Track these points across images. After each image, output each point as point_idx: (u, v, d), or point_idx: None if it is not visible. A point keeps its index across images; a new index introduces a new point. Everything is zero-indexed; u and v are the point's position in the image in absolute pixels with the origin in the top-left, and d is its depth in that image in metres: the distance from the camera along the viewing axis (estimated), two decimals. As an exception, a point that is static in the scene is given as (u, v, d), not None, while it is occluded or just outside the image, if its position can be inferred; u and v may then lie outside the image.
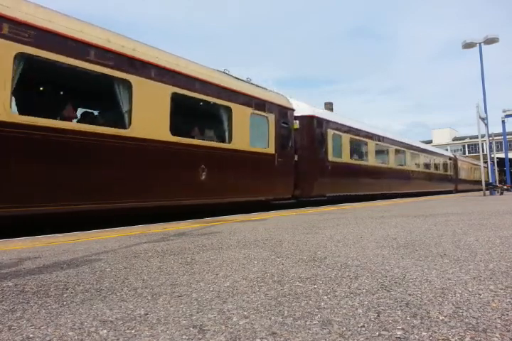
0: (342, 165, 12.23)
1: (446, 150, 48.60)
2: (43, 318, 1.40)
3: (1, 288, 1.85)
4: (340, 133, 12.33)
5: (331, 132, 11.66)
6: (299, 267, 2.13)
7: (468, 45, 19.52)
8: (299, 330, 1.20)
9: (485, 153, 19.44)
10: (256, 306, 1.46)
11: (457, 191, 26.70)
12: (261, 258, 2.42)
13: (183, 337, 1.18)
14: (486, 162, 19.43)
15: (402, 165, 17.53)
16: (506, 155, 28.02)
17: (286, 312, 1.38)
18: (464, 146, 70.30)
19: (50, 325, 1.33)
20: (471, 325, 1.19)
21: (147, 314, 1.40)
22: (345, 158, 12.56)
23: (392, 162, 16.56)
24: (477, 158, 32.06)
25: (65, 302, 1.59)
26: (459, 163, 28.87)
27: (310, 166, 10.58)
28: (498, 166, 27.56)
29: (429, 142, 60.67)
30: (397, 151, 17.15)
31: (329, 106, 26.23)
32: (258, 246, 2.97)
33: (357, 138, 13.55)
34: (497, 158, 27.63)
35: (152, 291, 1.72)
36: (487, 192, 16.58)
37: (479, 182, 33.29)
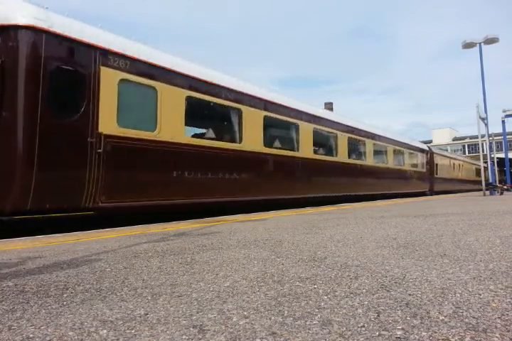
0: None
1: (446, 150, 48.27)
2: (43, 318, 1.40)
3: (1, 288, 1.85)
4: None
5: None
6: (299, 267, 2.13)
7: (468, 45, 19.53)
8: (299, 330, 1.20)
9: (485, 153, 19.44)
10: (256, 306, 1.46)
11: (434, 192, 21.20)
12: (261, 258, 2.42)
13: (183, 337, 1.18)
14: (486, 162, 19.41)
15: (332, 156, 11.99)
16: (506, 155, 28.01)
17: (286, 312, 1.38)
18: (463, 146, 70.31)
19: (50, 325, 1.33)
20: (471, 325, 1.19)
21: (147, 314, 1.40)
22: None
23: (306, 148, 10.45)
24: (477, 158, 31.51)
25: (65, 302, 1.59)
26: (437, 158, 22.83)
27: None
28: (498, 166, 27.49)
29: (429, 142, 60.64)
30: (318, 133, 11.16)
31: (329, 106, 26.20)
32: (258, 246, 2.97)
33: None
34: (497, 158, 27.61)
35: (152, 291, 1.72)
36: (487, 192, 16.57)
37: (468, 181, 30.68)
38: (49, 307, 1.54)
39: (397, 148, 17.02)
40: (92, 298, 1.65)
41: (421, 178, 19.79)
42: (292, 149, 10.09)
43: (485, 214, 5.54)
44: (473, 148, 65.02)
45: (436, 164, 22.65)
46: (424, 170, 20.43)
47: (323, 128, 11.50)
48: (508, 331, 1.14)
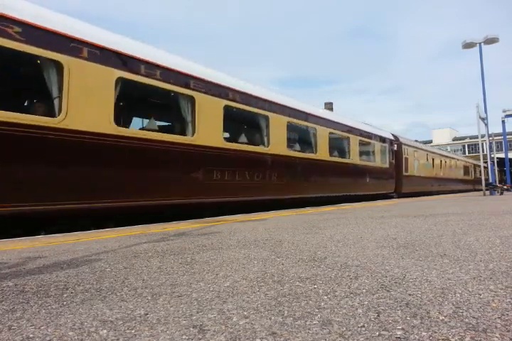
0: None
1: (446, 150, 48.04)
2: (43, 318, 1.40)
3: (1, 288, 1.85)
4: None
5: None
6: (299, 267, 2.13)
7: (468, 45, 19.53)
8: (299, 330, 1.20)
9: (485, 153, 19.44)
10: (256, 306, 1.46)
11: (401, 194, 16.77)
12: (261, 258, 2.42)
13: (183, 337, 1.17)
14: (486, 162, 19.41)
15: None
16: (506, 155, 28.02)
17: (286, 312, 1.38)
18: (463, 146, 70.33)
19: (50, 325, 1.33)
20: (471, 325, 1.19)
21: (147, 314, 1.40)
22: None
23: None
24: (477, 158, 31.28)
25: (65, 302, 1.59)
26: (408, 151, 17.77)
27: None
28: (498, 166, 27.46)
29: (429, 142, 60.62)
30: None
31: (329, 106, 26.19)
32: (258, 246, 2.97)
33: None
34: (497, 158, 27.60)
35: (152, 291, 1.72)
36: (487, 192, 16.57)
37: (454, 181, 26.56)
38: (49, 307, 1.54)
39: (339, 132, 11.85)
40: (92, 298, 1.65)
41: (381, 176, 14.99)
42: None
43: (485, 214, 5.54)
44: (473, 148, 65.04)
45: (407, 158, 17.58)
46: (387, 165, 15.50)
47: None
48: (508, 331, 1.14)
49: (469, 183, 31.95)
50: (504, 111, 27.93)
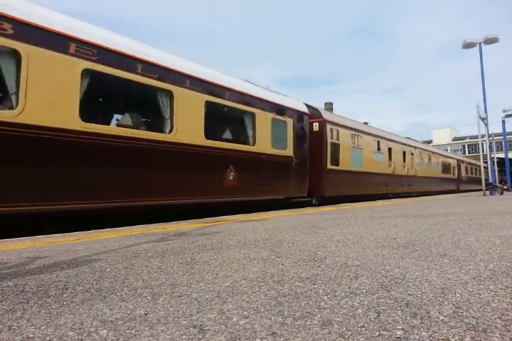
0: None
1: (446, 150, 47.96)
2: (43, 318, 1.40)
3: (1, 288, 1.85)
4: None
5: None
6: (299, 267, 2.13)
7: (468, 45, 19.53)
8: (299, 330, 1.19)
9: (485, 153, 19.45)
10: (256, 306, 1.46)
11: (325, 200, 11.07)
12: (261, 258, 2.42)
13: (183, 337, 1.17)
14: (486, 162, 19.41)
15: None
16: (506, 155, 28.04)
17: (286, 312, 1.38)
18: (464, 146, 70.35)
19: (50, 325, 1.33)
20: (471, 325, 1.19)
21: (147, 314, 1.40)
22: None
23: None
24: (477, 158, 30.61)
25: (65, 302, 1.59)
26: (336, 132, 11.92)
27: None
28: (498, 166, 27.45)
29: (429, 142, 60.63)
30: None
31: (329, 106, 26.18)
32: (258, 246, 2.97)
33: None
34: (497, 158, 27.61)
35: (152, 291, 1.72)
36: (487, 192, 16.57)
37: (424, 179, 19.18)
38: (49, 307, 1.54)
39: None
40: (92, 298, 1.65)
41: (274, 170, 9.13)
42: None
43: (485, 214, 5.54)
44: (473, 148, 65.06)
45: (336, 144, 11.75)
46: (291, 152, 9.75)
47: None
48: (508, 331, 1.14)
49: (450, 183, 25.81)
50: (504, 111, 27.96)
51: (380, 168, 14.99)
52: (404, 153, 17.65)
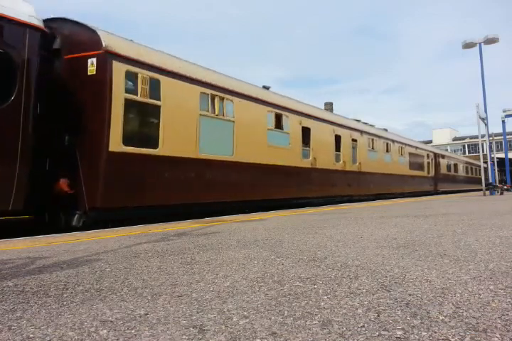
0: None
1: (446, 150, 47.99)
2: (43, 318, 1.40)
3: (1, 288, 1.85)
4: None
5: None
6: (299, 267, 2.13)
7: (468, 45, 19.53)
8: (299, 330, 1.19)
9: (485, 153, 19.44)
10: (256, 306, 1.46)
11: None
12: (261, 258, 2.42)
13: (183, 337, 1.17)
14: (486, 162, 19.41)
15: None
16: (506, 155, 28.04)
17: (286, 312, 1.38)
18: (464, 146, 70.33)
19: (50, 325, 1.33)
20: (471, 325, 1.19)
21: (147, 314, 1.40)
22: None
23: None
24: (477, 158, 30.14)
25: (65, 302, 1.59)
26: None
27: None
28: (498, 166, 27.44)
29: (429, 142, 60.64)
30: None
31: (329, 107, 26.15)
32: (258, 246, 2.97)
33: None
34: (497, 158, 27.61)
35: (152, 291, 1.72)
36: (487, 192, 16.57)
37: (385, 177, 14.54)
38: (49, 307, 1.54)
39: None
40: (92, 298, 1.65)
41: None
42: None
43: (485, 214, 5.54)
44: (474, 148, 65.04)
45: (144, 105, 6.11)
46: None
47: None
48: (508, 331, 1.14)
49: (424, 182, 20.30)
50: (504, 111, 27.95)
51: (282, 158, 9.42)
52: (338, 138, 12.14)
